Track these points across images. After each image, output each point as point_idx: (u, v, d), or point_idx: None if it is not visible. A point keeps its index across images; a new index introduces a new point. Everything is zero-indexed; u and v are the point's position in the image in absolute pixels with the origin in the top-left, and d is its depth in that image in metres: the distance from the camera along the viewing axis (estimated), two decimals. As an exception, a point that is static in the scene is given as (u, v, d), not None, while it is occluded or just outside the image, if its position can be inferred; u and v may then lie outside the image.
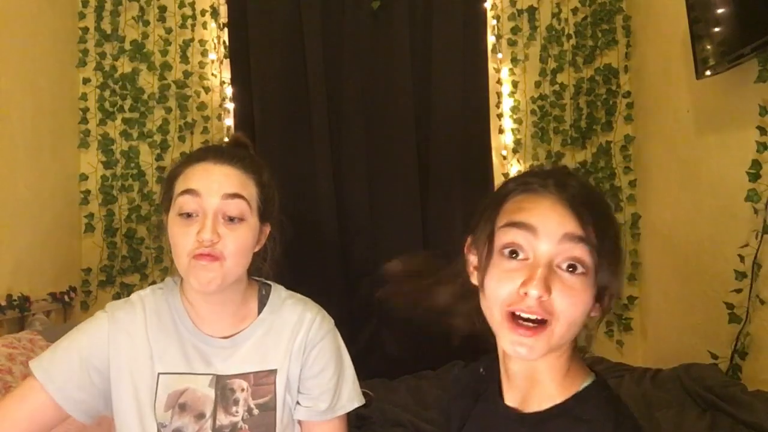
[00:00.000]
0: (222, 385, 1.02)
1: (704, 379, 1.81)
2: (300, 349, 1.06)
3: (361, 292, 2.62)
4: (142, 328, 1.03)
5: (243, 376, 1.03)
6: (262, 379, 1.04)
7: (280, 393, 1.04)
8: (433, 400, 2.01)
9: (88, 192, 2.64)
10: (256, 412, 1.02)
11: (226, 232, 0.96)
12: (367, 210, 2.61)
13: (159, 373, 1.01)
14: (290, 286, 1.15)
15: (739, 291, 1.88)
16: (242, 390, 1.02)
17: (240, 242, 0.97)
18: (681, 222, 2.28)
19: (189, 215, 0.96)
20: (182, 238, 0.96)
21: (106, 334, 1.02)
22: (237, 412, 1.01)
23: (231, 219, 0.98)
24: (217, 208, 0.96)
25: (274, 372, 1.05)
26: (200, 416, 1.00)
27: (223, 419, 1.01)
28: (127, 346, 1.01)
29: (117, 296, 2.63)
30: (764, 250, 1.79)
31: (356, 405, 1.10)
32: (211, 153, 1.02)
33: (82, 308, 2.60)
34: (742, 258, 1.86)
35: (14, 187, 2.14)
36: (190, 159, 1.03)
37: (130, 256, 2.63)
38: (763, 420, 1.53)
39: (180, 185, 0.99)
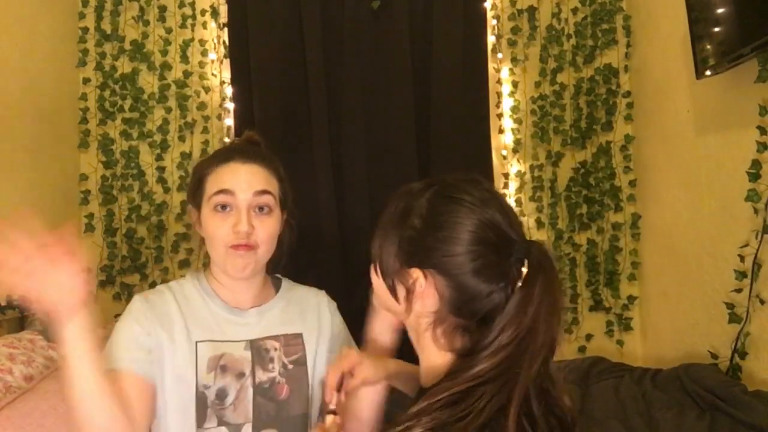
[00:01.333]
0: (256, 346, 1.14)
1: (704, 379, 1.81)
2: (327, 311, 1.26)
3: (361, 292, 2.61)
4: (175, 308, 1.14)
5: (274, 337, 1.16)
6: (291, 341, 1.17)
7: (310, 350, 1.17)
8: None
9: (88, 192, 2.64)
10: (290, 366, 1.15)
11: (258, 223, 1.10)
12: (367, 210, 2.61)
13: (197, 342, 1.11)
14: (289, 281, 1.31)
15: (739, 291, 1.88)
16: (275, 349, 1.15)
17: (270, 230, 1.12)
18: (681, 222, 2.28)
19: (224, 210, 1.10)
20: (219, 230, 1.09)
21: (145, 318, 1.11)
22: (273, 368, 1.14)
23: (261, 211, 1.12)
24: (249, 204, 1.10)
25: (299, 335, 1.19)
26: (240, 375, 1.11)
27: (262, 376, 1.12)
28: (165, 321, 1.11)
29: (117, 296, 2.63)
30: (764, 250, 1.79)
31: None
32: (237, 153, 1.15)
33: (82, 308, 2.60)
34: (742, 258, 1.86)
35: (14, 187, 2.14)
36: (217, 159, 1.15)
37: (130, 256, 2.63)
38: (763, 420, 1.53)
39: (212, 185, 1.12)
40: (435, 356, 0.81)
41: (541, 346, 0.72)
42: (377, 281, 0.88)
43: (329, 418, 0.92)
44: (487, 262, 0.76)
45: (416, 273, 0.79)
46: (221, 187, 1.10)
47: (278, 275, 1.29)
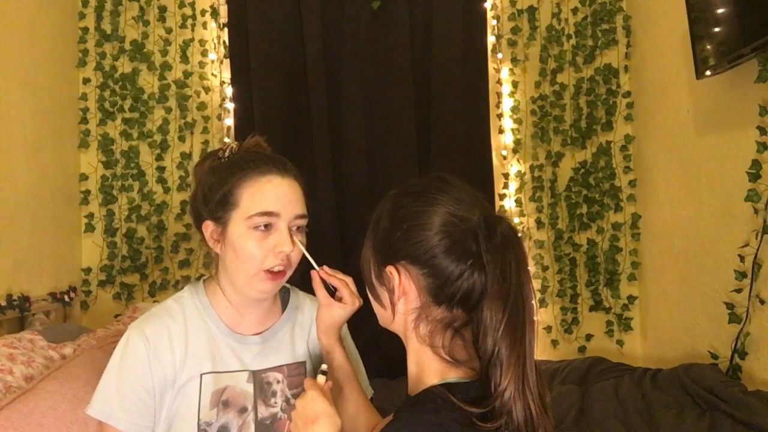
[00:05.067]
0: (258, 379, 1.09)
1: (704, 379, 1.81)
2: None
3: (361, 292, 2.62)
4: (177, 337, 1.07)
5: (277, 368, 1.11)
6: (294, 371, 1.12)
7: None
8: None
9: (88, 192, 2.64)
10: (293, 401, 1.09)
11: (295, 243, 1.05)
12: (367, 210, 2.60)
13: (202, 374, 1.06)
14: (297, 285, 1.23)
15: (739, 291, 1.88)
16: (278, 382, 1.10)
17: (301, 251, 1.07)
18: (681, 222, 2.28)
19: (266, 229, 1.03)
20: (258, 251, 1.02)
21: (146, 358, 1.05)
22: (276, 403, 1.09)
23: (297, 230, 1.06)
24: (290, 225, 1.04)
25: (303, 364, 1.13)
26: (243, 410, 1.07)
27: (264, 411, 1.08)
28: (168, 357, 1.06)
29: (117, 296, 2.63)
30: (764, 250, 1.79)
31: (372, 393, 1.19)
32: (272, 163, 1.06)
33: (82, 308, 2.60)
34: (742, 258, 1.86)
35: (14, 187, 2.14)
36: (248, 170, 1.05)
37: (130, 256, 2.63)
38: (763, 420, 1.53)
39: (252, 202, 1.03)
40: (420, 355, 0.83)
41: (530, 320, 0.75)
42: (371, 298, 0.90)
43: (320, 378, 0.94)
44: (454, 241, 0.78)
45: (391, 270, 0.81)
46: (266, 209, 1.02)
47: (287, 285, 1.21)
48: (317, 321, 1.09)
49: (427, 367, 0.82)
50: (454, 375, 0.79)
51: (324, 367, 0.96)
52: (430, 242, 0.79)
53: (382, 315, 0.88)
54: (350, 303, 1.07)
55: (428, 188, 0.83)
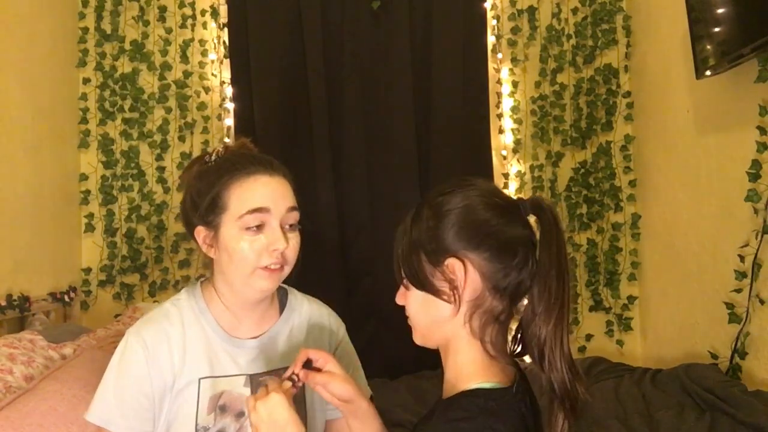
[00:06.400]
0: (256, 383, 1.07)
1: (704, 379, 1.81)
2: (328, 348, 1.15)
3: (361, 292, 2.62)
4: (175, 342, 1.06)
5: (274, 372, 1.09)
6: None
7: (308, 387, 1.08)
8: (433, 400, 2.01)
9: (88, 192, 2.64)
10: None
11: (288, 240, 1.03)
12: (367, 210, 2.62)
13: (200, 378, 1.05)
14: (291, 286, 1.20)
15: (739, 291, 1.88)
16: None
17: (297, 247, 1.05)
18: (681, 222, 2.28)
19: (258, 229, 1.01)
20: (252, 251, 1.00)
21: (145, 364, 1.04)
22: None
23: (290, 227, 1.04)
24: (282, 220, 1.03)
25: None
26: (240, 414, 1.06)
27: None
28: (166, 362, 1.05)
29: (117, 296, 2.63)
30: (764, 250, 1.80)
31: (370, 393, 1.16)
32: (258, 163, 1.05)
33: (82, 308, 2.60)
34: (742, 258, 1.86)
35: (14, 187, 2.14)
36: (234, 171, 1.03)
37: (130, 256, 2.63)
38: (763, 420, 1.53)
39: (241, 202, 1.01)
40: (464, 354, 0.84)
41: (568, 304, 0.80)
42: (415, 300, 0.87)
43: (286, 383, 0.92)
44: (503, 210, 0.84)
45: (451, 261, 0.81)
46: (256, 206, 1.00)
47: (285, 286, 1.19)
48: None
49: (467, 368, 0.83)
50: (490, 379, 0.80)
51: (292, 374, 0.93)
52: (481, 216, 0.83)
53: (441, 314, 0.84)
54: (341, 373, 0.98)
55: (459, 184, 0.87)
